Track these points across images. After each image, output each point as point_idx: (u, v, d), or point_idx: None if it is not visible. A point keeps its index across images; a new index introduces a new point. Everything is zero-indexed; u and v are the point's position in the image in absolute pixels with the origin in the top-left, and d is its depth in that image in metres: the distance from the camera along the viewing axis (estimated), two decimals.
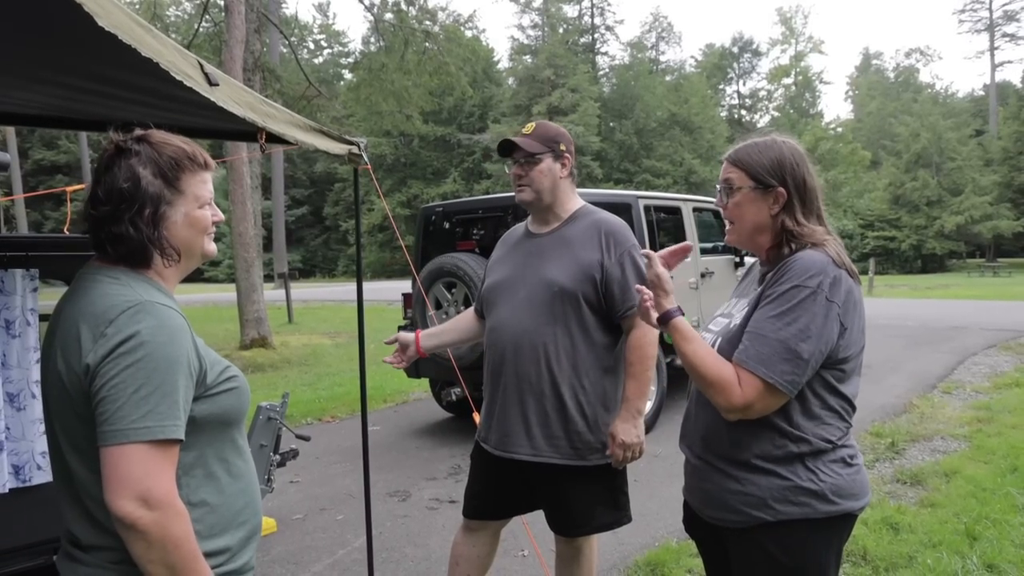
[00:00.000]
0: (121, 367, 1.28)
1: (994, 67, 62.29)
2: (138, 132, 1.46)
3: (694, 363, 1.68)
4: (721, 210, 1.88)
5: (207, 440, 1.43)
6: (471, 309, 2.92)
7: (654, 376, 6.69)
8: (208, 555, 1.36)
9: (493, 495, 2.68)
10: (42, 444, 3.05)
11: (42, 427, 3.03)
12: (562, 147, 2.59)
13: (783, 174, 1.76)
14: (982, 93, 64.24)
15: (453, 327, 2.92)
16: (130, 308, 1.33)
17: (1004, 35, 61.62)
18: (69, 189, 3.85)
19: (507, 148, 2.60)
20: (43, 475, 3.06)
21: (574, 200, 2.68)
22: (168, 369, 1.31)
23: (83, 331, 1.32)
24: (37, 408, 3.04)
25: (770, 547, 1.70)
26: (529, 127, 2.62)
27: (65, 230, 3.50)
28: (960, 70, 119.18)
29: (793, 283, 1.64)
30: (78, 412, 1.33)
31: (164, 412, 1.29)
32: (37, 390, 3.03)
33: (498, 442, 2.59)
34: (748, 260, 7.25)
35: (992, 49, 61.70)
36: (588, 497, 2.57)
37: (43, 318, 3.37)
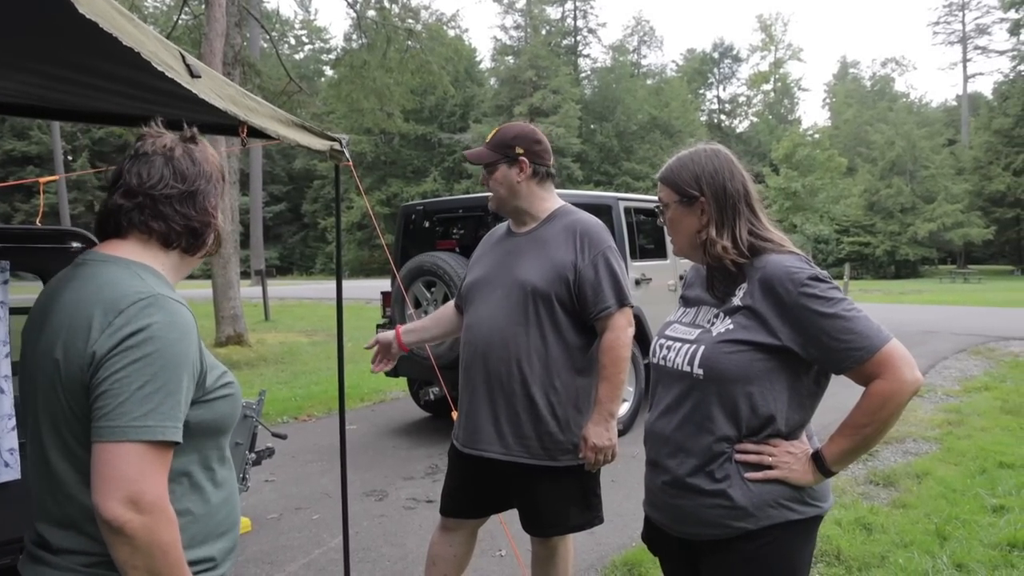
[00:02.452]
0: (128, 361, 1.23)
1: (966, 78, 63.61)
2: (190, 131, 1.52)
3: (881, 431, 1.64)
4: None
5: (196, 447, 1.37)
6: (451, 303, 2.92)
7: (631, 377, 6.72)
8: (189, 564, 1.31)
9: (468, 493, 2.68)
10: (10, 441, 2.97)
11: (11, 423, 2.96)
12: (518, 150, 2.55)
13: (700, 184, 1.78)
14: (955, 103, 65.36)
15: (434, 323, 2.91)
16: (142, 300, 1.28)
17: (976, 48, 62.84)
18: (42, 180, 3.78)
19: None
20: (10, 473, 2.98)
21: (549, 200, 2.65)
22: (175, 368, 1.26)
23: (93, 318, 1.27)
24: (6, 403, 2.96)
25: (750, 555, 1.69)
26: (491, 134, 2.64)
27: (37, 222, 3.43)
28: (934, 80, 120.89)
29: (800, 286, 1.63)
30: (71, 404, 1.28)
31: (166, 412, 1.24)
32: (7, 385, 2.97)
33: (467, 439, 2.59)
34: None
35: (965, 61, 62.84)
36: (559, 498, 2.56)
37: (13, 311, 3.30)
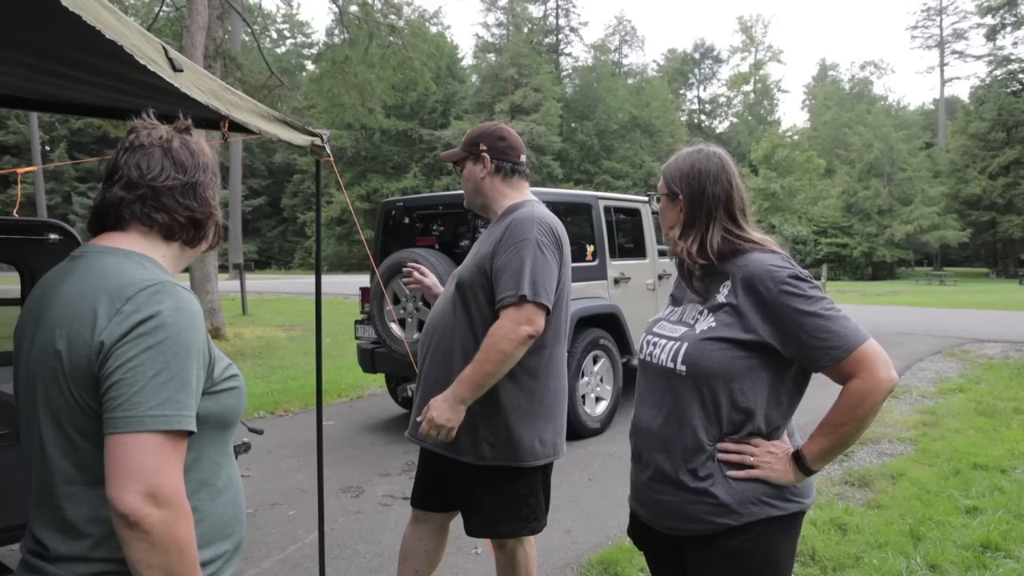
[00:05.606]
0: (140, 348, 1.19)
1: (944, 82, 64.43)
2: (184, 122, 1.50)
3: (858, 429, 1.67)
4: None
5: (205, 442, 1.33)
6: None
7: (610, 376, 6.73)
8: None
9: (429, 485, 2.69)
10: None
11: None
12: (481, 147, 2.56)
13: (681, 183, 1.84)
14: (932, 107, 66.23)
15: None
16: (150, 287, 1.25)
17: (953, 52, 63.82)
18: (20, 170, 3.73)
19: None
20: None
21: (512, 197, 2.60)
22: (187, 355, 1.23)
23: (99, 306, 1.22)
24: None
25: (734, 551, 1.71)
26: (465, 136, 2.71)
27: (14, 212, 3.39)
28: (912, 84, 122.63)
29: (781, 284, 1.66)
30: (77, 396, 1.22)
31: (182, 401, 1.20)
32: None
33: (411, 427, 2.63)
34: None
35: (942, 65, 63.72)
36: (482, 498, 2.51)
37: None
